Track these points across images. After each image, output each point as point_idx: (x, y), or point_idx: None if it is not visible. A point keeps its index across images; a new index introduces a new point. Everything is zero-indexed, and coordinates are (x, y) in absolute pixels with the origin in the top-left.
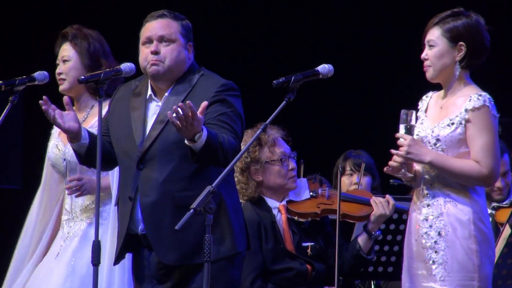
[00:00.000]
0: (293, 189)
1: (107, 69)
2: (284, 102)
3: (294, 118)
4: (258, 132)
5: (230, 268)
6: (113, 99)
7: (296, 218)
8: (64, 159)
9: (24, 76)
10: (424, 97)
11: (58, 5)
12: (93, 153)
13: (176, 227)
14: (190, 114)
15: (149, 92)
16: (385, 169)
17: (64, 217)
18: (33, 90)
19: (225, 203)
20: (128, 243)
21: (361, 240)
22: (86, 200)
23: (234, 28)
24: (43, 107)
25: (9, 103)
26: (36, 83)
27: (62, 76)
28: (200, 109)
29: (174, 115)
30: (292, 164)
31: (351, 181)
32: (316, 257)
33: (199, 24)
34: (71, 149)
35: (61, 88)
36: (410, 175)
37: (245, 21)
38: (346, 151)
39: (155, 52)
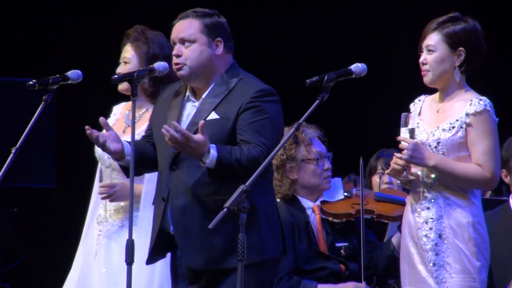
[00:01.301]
0: (326, 190)
1: (141, 68)
2: (317, 101)
3: (329, 117)
4: (291, 131)
5: (257, 276)
6: (158, 99)
7: (330, 219)
8: (109, 157)
9: (58, 75)
10: (416, 101)
11: (96, 3)
12: (139, 164)
13: (209, 226)
14: (181, 137)
15: (188, 92)
16: (386, 171)
17: (103, 212)
18: (66, 89)
19: (255, 208)
20: (164, 242)
21: (395, 240)
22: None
23: (267, 26)
24: (88, 131)
25: (42, 102)
26: (69, 82)
27: None
28: (199, 129)
29: (166, 132)
30: (327, 164)
31: (382, 180)
32: (350, 257)
33: (231, 24)
34: None
35: (120, 88)
36: (411, 177)
37: (278, 19)
38: (379, 150)
39: (177, 55)
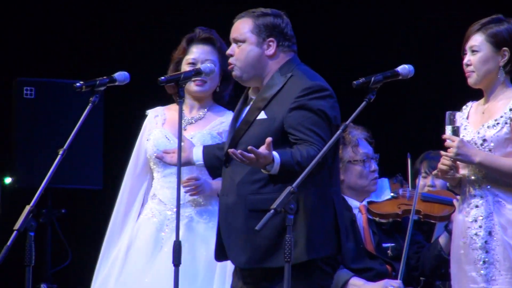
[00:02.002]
0: (372, 191)
1: (187, 70)
2: (364, 103)
3: (376, 118)
4: (337, 133)
5: (308, 276)
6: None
7: (377, 219)
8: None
9: (105, 77)
10: (463, 107)
11: (143, 4)
12: (216, 166)
13: (256, 228)
14: (253, 157)
15: (249, 92)
16: (434, 172)
17: (156, 206)
18: (113, 91)
19: (304, 206)
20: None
21: (442, 240)
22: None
23: (313, 27)
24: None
25: (89, 104)
26: (116, 83)
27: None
28: (264, 145)
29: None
30: (373, 166)
31: (425, 183)
32: (396, 258)
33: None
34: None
35: (198, 89)
36: (458, 175)
37: (323, 19)
38: (426, 151)
39: (230, 55)
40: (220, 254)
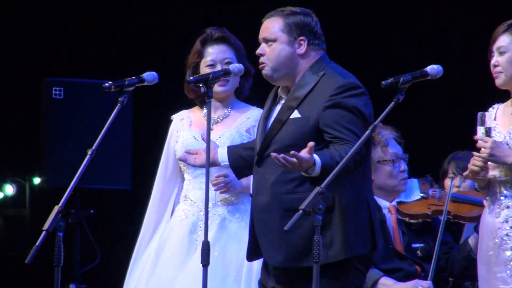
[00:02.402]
0: (402, 192)
1: (217, 70)
2: (392, 103)
3: (405, 118)
4: (366, 133)
5: (343, 275)
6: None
7: (406, 219)
8: None
9: (134, 77)
10: (490, 109)
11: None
12: (242, 166)
13: (285, 228)
14: (296, 162)
15: (279, 91)
16: (464, 173)
17: (188, 208)
18: (142, 91)
19: (340, 205)
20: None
21: (472, 241)
22: (225, 193)
23: (341, 26)
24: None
25: (118, 104)
26: (145, 84)
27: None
28: (306, 149)
29: (279, 160)
30: (403, 166)
31: (453, 183)
32: (426, 258)
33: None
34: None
35: (221, 89)
36: (489, 176)
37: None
38: (453, 152)
39: (260, 54)
40: (253, 254)
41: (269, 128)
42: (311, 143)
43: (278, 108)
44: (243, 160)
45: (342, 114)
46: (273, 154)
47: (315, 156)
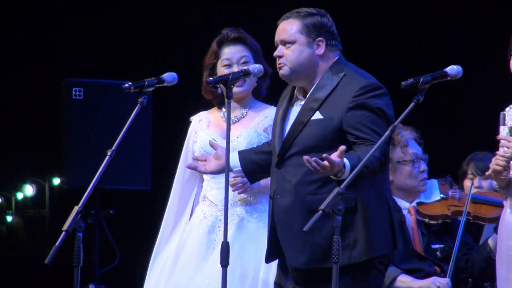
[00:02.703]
0: (422, 192)
1: (237, 71)
2: (412, 103)
3: (425, 119)
4: (386, 133)
5: (365, 275)
6: (279, 101)
7: (426, 220)
8: None
9: (153, 78)
10: (507, 109)
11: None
12: (255, 171)
13: (304, 229)
14: (328, 166)
15: (296, 92)
16: (487, 173)
17: (207, 208)
18: (162, 91)
19: (362, 205)
20: (275, 239)
21: (492, 242)
22: (243, 193)
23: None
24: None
25: (138, 105)
26: (164, 84)
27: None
28: (337, 153)
29: (310, 163)
30: (423, 166)
31: (472, 185)
32: (446, 259)
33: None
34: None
35: (239, 90)
36: (511, 176)
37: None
38: (472, 153)
39: (278, 56)
40: (271, 256)
41: (289, 130)
42: (342, 147)
43: (295, 109)
44: (255, 164)
45: (366, 115)
46: (305, 158)
47: (345, 160)
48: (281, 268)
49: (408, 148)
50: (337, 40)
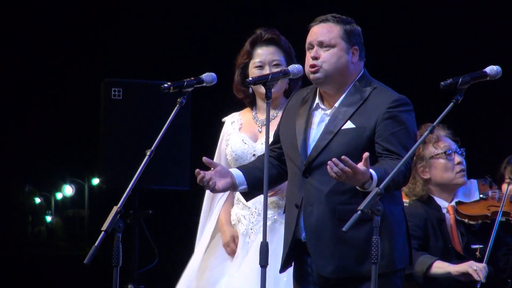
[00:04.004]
0: (462, 184)
1: (275, 71)
2: (451, 104)
3: (465, 119)
4: (425, 134)
5: (388, 285)
6: (286, 106)
7: (466, 220)
8: (254, 155)
9: (192, 78)
10: None
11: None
12: (256, 189)
13: (343, 229)
14: (347, 169)
15: (317, 100)
16: None
17: (240, 211)
18: (201, 92)
19: (387, 218)
20: (295, 248)
21: None
22: (274, 196)
23: (396, 28)
24: (199, 176)
25: (177, 105)
26: (204, 84)
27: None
28: (363, 161)
29: (332, 168)
30: (458, 158)
31: (510, 189)
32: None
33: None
34: (261, 146)
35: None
36: None
37: (407, 22)
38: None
39: (314, 58)
40: (287, 265)
41: (319, 137)
42: (366, 154)
43: (318, 116)
44: (259, 181)
45: (398, 128)
46: (330, 163)
47: (372, 171)
48: (299, 275)
49: (439, 142)
50: (364, 51)
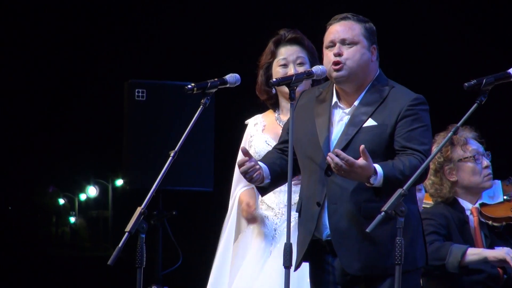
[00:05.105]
0: (488, 188)
1: (299, 72)
2: (475, 105)
3: (488, 120)
4: (449, 134)
5: (409, 283)
6: (296, 106)
7: (490, 222)
8: None
9: (216, 79)
10: None
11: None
12: (273, 185)
13: (367, 230)
14: (346, 165)
15: (335, 98)
16: None
17: (265, 213)
18: (224, 92)
19: (408, 217)
20: (312, 248)
21: None
22: (297, 196)
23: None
24: (245, 165)
25: (201, 106)
26: (227, 85)
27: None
28: (361, 155)
29: (333, 158)
30: (486, 162)
31: None
32: None
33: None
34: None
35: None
36: None
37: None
38: None
39: (338, 54)
40: (300, 264)
41: (340, 135)
42: (361, 147)
43: (337, 115)
44: (278, 176)
45: (417, 125)
46: (331, 153)
47: (377, 166)
48: (318, 278)
49: (468, 145)
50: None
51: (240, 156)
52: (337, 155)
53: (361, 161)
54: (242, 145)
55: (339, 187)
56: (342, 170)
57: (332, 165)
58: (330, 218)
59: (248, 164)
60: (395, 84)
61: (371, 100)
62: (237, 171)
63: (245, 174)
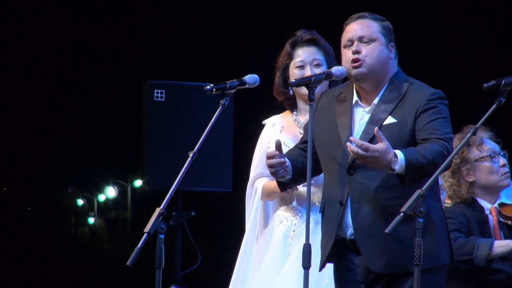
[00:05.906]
0: (507, 186)
1: (318, 73)
2: (494, 106)
3: (504, 119)
4: (468, 135)
5: (434, 280)
6: (316, 107)
7: (509, 222)
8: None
9: (235, 80)
10: None
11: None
12: (293, 181)
13: (386, 231)
14: (362, 150)
15: (355, 97)
16: None
17: (283, 213)
18: (243, 93)
19: (430, 213)
20: (336, 247)
21: None
22: (314, 197)
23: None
24: (274, 159)
25: (219, 107)
26: (246, 86)
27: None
28: (377, 139)
29: (349, 149)
30: (502, 161)
31: None
32: None
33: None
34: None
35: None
36: None
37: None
38: None
39: (356, 52)
40: (325, 263)
41: (362, 134)
42: (375, 129)
43: (357, 114)
44: (299, 173)
45: (437, 116)
46: (348, 143)
47: (397, 151)
48: (341, 276)
49: (483, 145)
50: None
51: (271, 148)
52: (353, 143)
53: (377, 145)
54: (259, 145)
55: (361, 185)
56: (360, 157)
57: (351, 154)
58: (353, 217)
59: (278, 159)
60: (414, 80)
61: (391, 97)
62: (257, 164)
63: (271, 167)
